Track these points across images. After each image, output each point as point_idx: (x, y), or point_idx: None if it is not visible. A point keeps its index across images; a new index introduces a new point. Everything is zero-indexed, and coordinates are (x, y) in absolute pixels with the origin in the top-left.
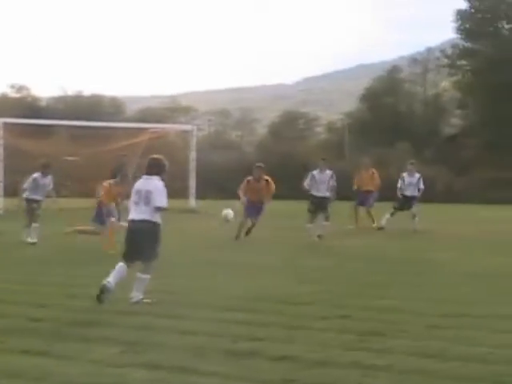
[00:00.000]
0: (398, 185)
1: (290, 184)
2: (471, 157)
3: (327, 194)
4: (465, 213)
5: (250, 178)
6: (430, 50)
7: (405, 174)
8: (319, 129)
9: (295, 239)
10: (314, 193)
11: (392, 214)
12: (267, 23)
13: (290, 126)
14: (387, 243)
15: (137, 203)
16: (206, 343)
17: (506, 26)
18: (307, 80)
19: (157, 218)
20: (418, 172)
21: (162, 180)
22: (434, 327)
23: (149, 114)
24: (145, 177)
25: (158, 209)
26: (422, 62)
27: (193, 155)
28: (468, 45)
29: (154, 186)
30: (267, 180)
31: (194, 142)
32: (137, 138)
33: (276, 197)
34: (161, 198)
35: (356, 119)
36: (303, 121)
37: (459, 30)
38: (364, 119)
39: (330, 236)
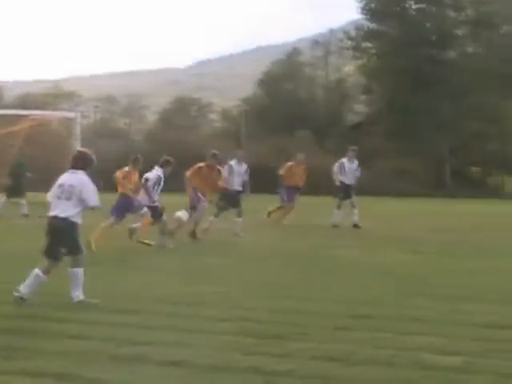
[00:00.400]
0: (335, 170)
1: (181, 176)
2: (377, 146)
3: (240, 188)
4: (370, 206)
5: (201, 164)
6: (332, 31)
7: (345, 160)
8: (213, 116)
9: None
10: (229, 186)
11: (339, 207)
12: (156, 3)
13: (182, 113)
14: (293, 240)
15: (59, 197)
16: (91, 348)
17: (414, 6)
18: (200, 64)
19: (76, 216)
20: (357, 159)
21: (88, 175)
22: (340, 329)
23: (29, 101)
24: (70, 171)
25: (92, 208)
26: (323, 44)
27: (77, 144)
28: (373, 26)
29: (78, 181)
30: (219, 169)
31: (78, 130)
32: (16, 125)
33: (167, 190)
34: (92, 197)
35: (253, 106)
36: (196, 108)
37: (364, 10)
38: (262, 106)
39: (232, 233)
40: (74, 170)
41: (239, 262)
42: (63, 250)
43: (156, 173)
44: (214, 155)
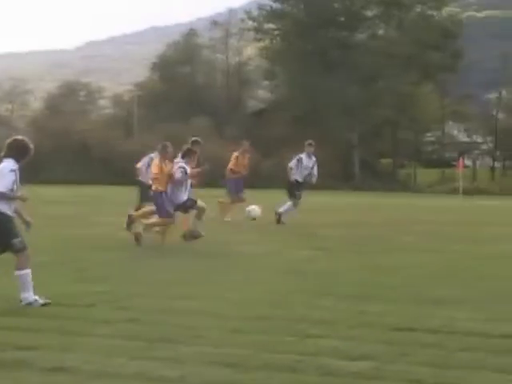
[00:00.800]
0: (291, 165)
1: (68, 166)
2: (280, 134)
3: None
4: (275, 200)
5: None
6: (232, 11)
7: (303, 156)
8: (104, 102)
9: (75, 228)
10: (143, 179)
11: (295, 205)
12: None
13: (70, 98)
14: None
15: None
16: None
17: None
18: (90, 45)
19: (3, 206)
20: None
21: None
22: (237, 332)
23: None
24: (3, 159)
25: None
26: (223, 25)
27: None
28: (277, 6)
29: None
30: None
31: None
32: None
33: (49, 181)
34: None
35: (147, 91)
36: (85, 93)
37: None
38: (156, 91)
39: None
40: (5, 159)
41: (129, 258)
42: None
43: (179, 165)
44: (197, 143)
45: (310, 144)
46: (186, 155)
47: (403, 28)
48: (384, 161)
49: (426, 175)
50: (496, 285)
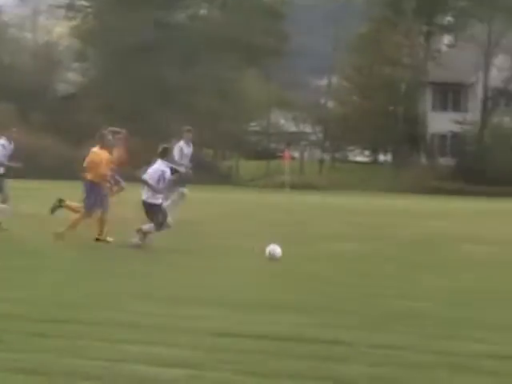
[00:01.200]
0: (177, 157)
1: None
2: (91, 122)
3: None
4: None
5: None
6: None
7: (182, 144)
8: None
9: None
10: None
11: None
12: None
13: None
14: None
15: None
16: None
17: None
18: None
19: None
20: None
21: None
22: (39, 335)
23: None
24: None
25: None
26: (31, 1)
27: None
28: None
29: None
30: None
31: None
32: None
33: None
34: None
35: None
36: None
37: None
38: None
39: None
40: None
41: None
42: None
43: (158, 167)
44: (117, 132)
45: (188, 130)
46: (164, 155)
47: (227, 8)
48: (205, 152)
49: (249, 167)
50: (327, 288)
